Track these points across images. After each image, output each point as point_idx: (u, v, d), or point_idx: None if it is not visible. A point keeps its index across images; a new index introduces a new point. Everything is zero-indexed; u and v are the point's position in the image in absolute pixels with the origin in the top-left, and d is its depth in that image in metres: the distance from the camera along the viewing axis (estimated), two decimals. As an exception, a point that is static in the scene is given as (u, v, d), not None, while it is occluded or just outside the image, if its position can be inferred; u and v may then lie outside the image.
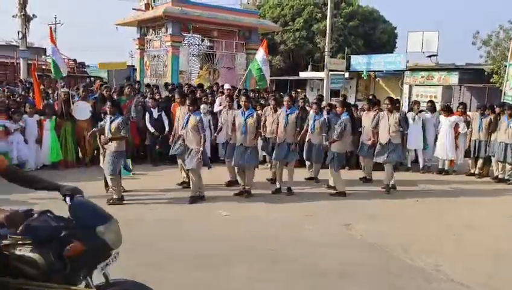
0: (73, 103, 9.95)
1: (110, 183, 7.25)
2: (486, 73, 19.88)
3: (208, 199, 7.56)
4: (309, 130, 8.99)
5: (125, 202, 7.18)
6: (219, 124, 8.79)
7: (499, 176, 9.94)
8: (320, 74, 26.13)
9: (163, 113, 10.23)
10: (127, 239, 5.77)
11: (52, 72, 9.93)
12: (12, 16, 21.60)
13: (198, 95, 10.82)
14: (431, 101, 11.41)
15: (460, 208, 7.74)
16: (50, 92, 11.97)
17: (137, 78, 19.10)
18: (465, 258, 5.38)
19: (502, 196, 8.81)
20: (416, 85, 24.69)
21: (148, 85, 14.42)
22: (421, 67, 24.48)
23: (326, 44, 23.15)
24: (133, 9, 19.50)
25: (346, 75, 27.10)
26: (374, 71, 26.39)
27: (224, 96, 9.97)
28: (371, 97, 11.02)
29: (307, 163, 9.56)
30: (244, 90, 13.01)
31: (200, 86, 13.69)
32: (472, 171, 10.60)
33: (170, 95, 11.63)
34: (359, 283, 4.60)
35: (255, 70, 9.49)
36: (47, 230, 2.59)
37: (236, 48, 18.57)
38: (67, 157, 9.73)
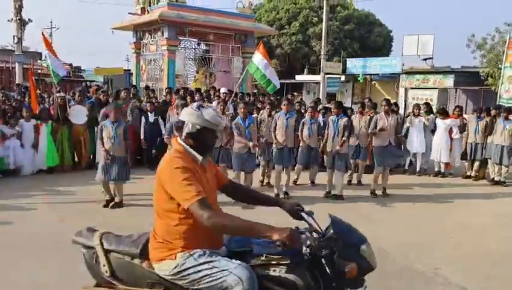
0: (69, 107, 9.93)
1: (117, 187, 7.23)
2: (481, 76, 19.95)
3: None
4: (306, 134, 8.68)
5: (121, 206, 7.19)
6: None
7: (495, 179, 9.97)
8: (317, 77, 26.16)
9: (159, 118, 10.23)
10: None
11: (52, 76, 9.97)
12: (8, 20, 21.54)
13: (196, 99, 10.80)
14: (427, 104, 11.45)
15: (458, 211, 7.75)
16: (46, 96, 11.94)
17: (134, 82, 19.09)
18: (463, 260, 5.38)
19: (498, 198, 8.83)
20: (412, 88, 24.75)
21: (147, 87, 14.40)
22: (416, 70, 24.53)
23: (322, 47, 23.19)
24: (129, 13, 19.51)
25: (342, 78, 27.14)
26: (370, 74, 26.44)
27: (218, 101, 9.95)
28: (365, 101, 10.99)
29: (298, 166, 9.17)
30: (240, 94, 13.04)
31: (198, 90, 13.69)
32: (468, 173, 10.62)
33: (167, 99, 11.63)
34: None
35: (259, 77, 9.36)
36: (318, 248, 2.43)
37: (232, 51, 18.61)
38: (64, 162, 9.70)
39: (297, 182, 9.27)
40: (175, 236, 2.61)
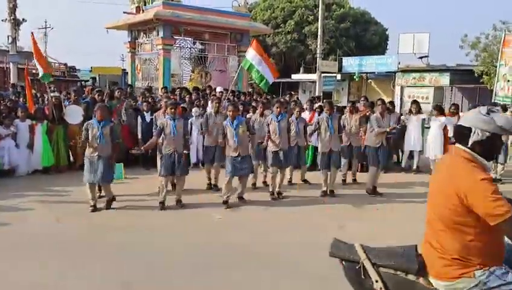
0: (64, 107, 9.88)
1: (104, 188, 7.20)
2: (476, 74, 20.01)
3: (200, 203, 7.54)
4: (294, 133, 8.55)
5: (116, 206, 7.16)
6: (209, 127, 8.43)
7: (492, 176, 9.97)
8: (312, 76, 26.19)
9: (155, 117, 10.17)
10: (120, 244, 5.75)
11: (40, 76, 9.86)
12: (2, 20, 21.44)
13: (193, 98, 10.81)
14: (415, 101, 11.47)
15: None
16: (39, 95, 11.86)
17: (129, 82, 19.03)
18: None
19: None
20: (407, 86, 24.83)
21: (149, 89, 14.32)
22: (412, 68, 24.61)
23: (318, 46, 23.21)
24: (124, 12, 19.41)
25: (338, 77, 27.19)
26: (366, 73, 26.50)
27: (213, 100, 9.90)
28: (358, 100, 10.96)
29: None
30: (237, 93, 13.02)
31: (196, 89, 13.68)
32: (464, 171, 10.62)
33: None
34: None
35: (252, 72, 9.40)
36: None
37: (228, 50, 18.58)
38: (59, 162, 9.65)
39: (292, 181, 9.27)
40: (471, 252, 2.42)
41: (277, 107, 7.99)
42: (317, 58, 23.38)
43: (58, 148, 9.65)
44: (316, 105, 10.89)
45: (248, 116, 9.24)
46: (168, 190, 7.39)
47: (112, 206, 7.11)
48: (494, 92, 14.31)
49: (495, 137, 2.49)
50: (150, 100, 11.03)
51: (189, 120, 10.30)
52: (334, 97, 27.40)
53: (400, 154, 11.29)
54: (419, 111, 10.72)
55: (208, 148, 8.54)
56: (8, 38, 21.49)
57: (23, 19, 21.86)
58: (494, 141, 2.50)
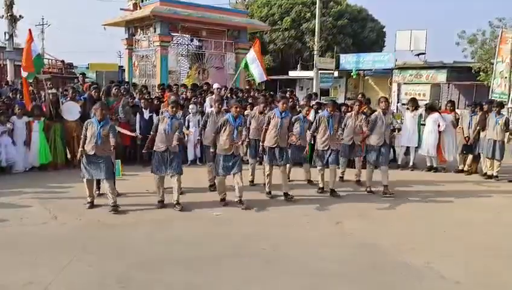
0: (62, 104, 9.85)
1: (109, 187, 6.85)
2: (473, 71, 20.06)
3: (198, 200, 7.53)
4: (297, 132, 8.38)
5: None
6: (207, 126, 8.20)
7: (488, 173, 10.02)
8: (310, 73, 26.19)
9: (154, 114, 10.16)
10: (117, 242, 5.76)
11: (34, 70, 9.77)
12: (-1, 17, 21.35)
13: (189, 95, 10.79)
14: (413, 99, 11.48)
15: (450, 206, 7.78)
16: (35, 91, 11.80)
17: (126, 79, 18.99)
18: (456, 255, 5.42)
19: (490, 192, 8.86)
20: (405, 83, 24.89)
21: (145, 87, 14.29)
22: (409, 65, 24.66)
23: (316, 43, 23.20)
24: (121, 9, 19.37)
25: (336, 74, 27.20)
26: (363, 70, 26.54)
27: (214, 97, 9.88)
28: (357, 98, 10.80)
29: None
30: (235, 90, 13.03)
31: (195, 85, 13.66)
32: (460, 168, 10.67)
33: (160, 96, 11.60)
34: (350, 282, 4.61)
35: (246, 69, 9.51)
36: None
37: (225, 47, 18.56)
38: (57, 159, 9.62)
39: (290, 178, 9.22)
40: None
41: (283, 104, 7.78)
42: (315, 55, 23.37)
43: (56, 146, 9.61)
44: (313, 102, 10.87)
45: (246, 112, 9.25)
46: (166, 188, 7.33)
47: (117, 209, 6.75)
48: (491, 89, 14.37)
49: None
50: (147, 97, 11.00)
51: (186, 117, 10.32)
52: (331, 94, 27.43)
53: (397, 149, 11.28)
54: (415, 108, 10.73)
55: (208, 148, 8.44)
56: (5, 35, 21.41)
57: (20, 16, 21.78)
58: None
